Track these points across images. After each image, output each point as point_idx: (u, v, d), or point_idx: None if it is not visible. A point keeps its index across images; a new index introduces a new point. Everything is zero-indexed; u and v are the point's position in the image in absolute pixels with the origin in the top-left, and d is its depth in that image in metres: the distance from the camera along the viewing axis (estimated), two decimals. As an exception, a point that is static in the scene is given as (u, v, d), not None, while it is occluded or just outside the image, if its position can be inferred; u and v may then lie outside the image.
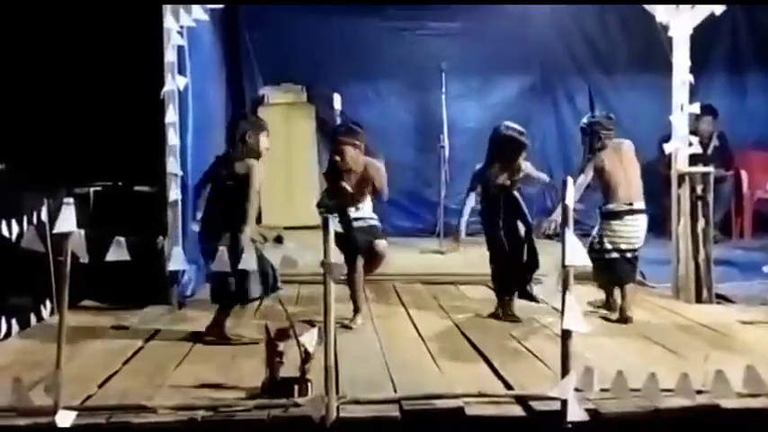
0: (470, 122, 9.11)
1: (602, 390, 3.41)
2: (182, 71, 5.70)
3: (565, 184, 3.42)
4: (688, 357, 4.26)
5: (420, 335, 4.94)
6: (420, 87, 9.00)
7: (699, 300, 5.89)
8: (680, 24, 5.94)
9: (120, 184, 6.62)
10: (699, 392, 3.45)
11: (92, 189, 6.41)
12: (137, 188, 6.52)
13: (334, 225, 3.63)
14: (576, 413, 3.17)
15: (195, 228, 5.00)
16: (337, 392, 3.41)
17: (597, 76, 9.30)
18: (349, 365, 4.07)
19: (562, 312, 3.20)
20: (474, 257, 7.48)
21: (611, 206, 5.33)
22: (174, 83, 5.63)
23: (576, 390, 3.28)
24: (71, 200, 3.33)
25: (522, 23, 8.71)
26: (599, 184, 5.39)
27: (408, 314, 5.58)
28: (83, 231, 3.38)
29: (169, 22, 5.62)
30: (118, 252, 3.43)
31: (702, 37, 6.10)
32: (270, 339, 3.68)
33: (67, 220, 3.29)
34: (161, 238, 5.69)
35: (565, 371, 3.22)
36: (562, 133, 9.34)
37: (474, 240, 8.50)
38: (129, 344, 4.68)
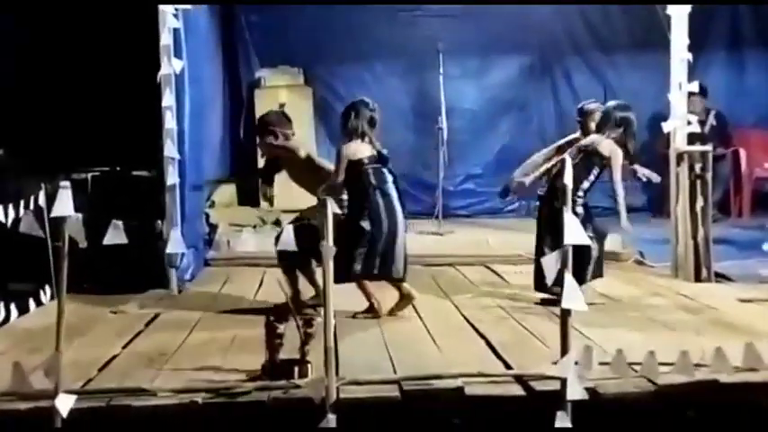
0: (468, 104, 9.12)
1: (601, 363, 3.41)
2: (178, 54, 5.67)
3: (563, 163, 3.42)
4: (687, 335, 4.27)
5: (419, 315, 4.94)
6: (418, 69, 8.98)
7: (698, 278, 5.90)
8: (678, 2, 5.91)
9: (117, 168, 6.61)
10: (697, 366, 3.46)
11: (89, 174, 6.40)
12: (135, 173, 6.51)
13: (333, 208, 3.61)
14: (575, 392, 3.18)
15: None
16: (337, 374, 3.41)
17: (596, 56, 9.27)
18: (349, 347, 4.08)
19: (561, 291, 3.20)
20: (472, 239, 7.52)
21: None
22: (170, 66, 5.59)
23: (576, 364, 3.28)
24: (67, 184, 3.32)
25: (520, 4, 8.67)
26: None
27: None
28: (80, 216, 3.37)
29: (164, 4, 5.58)
30: (115, 235, 3.42)
31: (701, 15, 6.07)
32: (269, 321, 3.68)
33: (64, 205, 3.28)
34: (159, 222, 5.69)
35: (564, 350, 3.22)
36: (560, 114, 9.31)
37: (472, 222, 8.57)
38: (128, 328, 4.68)
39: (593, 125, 5.55)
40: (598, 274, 5.24)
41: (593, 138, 5.35)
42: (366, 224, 4.82)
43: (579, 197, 5.15)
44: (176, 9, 5.60)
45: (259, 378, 3.57)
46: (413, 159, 8.83)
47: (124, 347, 4.28)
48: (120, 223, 3.47)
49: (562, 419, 3.14)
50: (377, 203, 4.87)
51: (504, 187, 5.91)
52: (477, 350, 4.13)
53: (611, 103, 5.50)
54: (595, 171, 5.26)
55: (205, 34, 6.97)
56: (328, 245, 3.40)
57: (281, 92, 8.72)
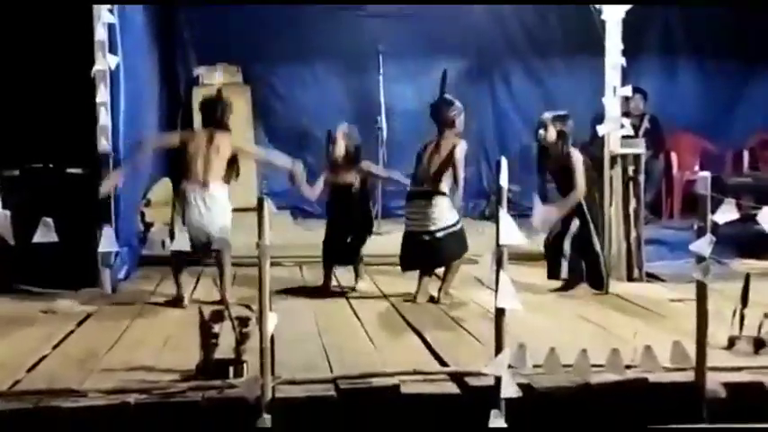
0: (407, 105, 9.14)
1: (535, 366, 3.47)
2: (113, 50, 5.57)
3: (499, 165, 3.45)
4: (618, 334, 4.36)
5: (356, 314, 4.95)
6: (358, 69, 8.98)
7: (630, 278, 6.02)
8: (612, 8, 6.03)
9: (50, 165, 6.44)
10: (628, 367, 3.54)
11: (20, 170, 6.23)
12: (68, 170, 6.36)
13: (271, 207, 3.59)
14: (509, 389, 3.22)
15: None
16: (273, 373, 3.39)
17: (533, 60, 9.41)
18: (285, 346, 4.05)
19: (496, 290, 3.23)
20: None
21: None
22: (104, 62, 5.50)
23: (510, 366, 3.32)
24: (-4, 180, 3.24)
25: (459, 7, 8.74)
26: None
27: (345, 294, 5.59)
28: (8, 213, 3.29)
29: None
30: (45, 233, 3.35)
31: (635, 21, 6.20)
32: (204, 321, 3.65)
33: (-8, 201, 3.20)
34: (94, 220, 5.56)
35: (498, 348, 3.26)
36: (498, 116, 9.45)
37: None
38: (59, 328, 4.58)
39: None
40: None
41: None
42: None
43: None
44: (111, 5, 5.50)
45: (193, 378, 3.53)
46: (352, 159, 8.81)
47: (54, 348, 4.18)
48: (50, 221, 3.40)
49: (496, 417, 3.18)
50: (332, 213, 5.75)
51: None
52: (414, 348, 4.15)
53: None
54: None
55: (141, 30, 6.86)
56: (265, 243, 3.37)
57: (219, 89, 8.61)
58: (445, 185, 5.33)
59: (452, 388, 3.48)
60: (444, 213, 5.31)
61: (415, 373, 3.58)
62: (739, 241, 6.39)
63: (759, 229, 3.49)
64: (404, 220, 5.54)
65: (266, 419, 3.17)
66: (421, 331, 4.47)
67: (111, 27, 5.56)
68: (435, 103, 5.67)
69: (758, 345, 3.97)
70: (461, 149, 5.38)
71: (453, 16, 8.82)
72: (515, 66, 9.45)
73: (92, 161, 5.65)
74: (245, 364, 3.55)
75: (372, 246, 7.14)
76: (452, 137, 5.44)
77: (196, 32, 8.94)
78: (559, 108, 5.87)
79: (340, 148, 5.60)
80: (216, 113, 5.37)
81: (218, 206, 5.21)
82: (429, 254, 5.34)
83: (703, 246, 3.40)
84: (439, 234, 5.30)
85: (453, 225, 5.36)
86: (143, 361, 3.85)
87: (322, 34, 8.91)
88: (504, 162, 3.48)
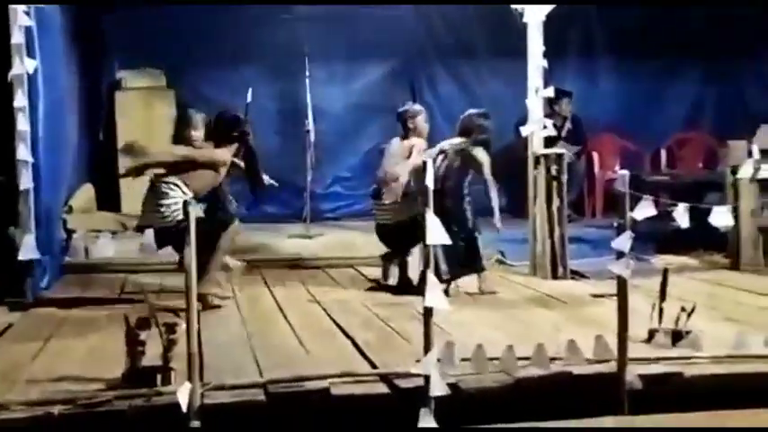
0: (334, 107, 9.16)
1: (463, 360, 3.51)
2: (31, 53, 5.43)
3: (425, 166, 3.50)
4: (543, 329, 4.45)
5: (286, 318, 4.94)
6: (284, 72, 8.94)
7: (555, 276, 6.16)
8: (533, 11, 6.15)
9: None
10: (552, 360, 3.62)
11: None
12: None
13: (196, 212, 3.55)
14: (438, 388, 3.26)
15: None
16: (202, 379, 3.36)
17: (458, 62, 9.51)
18: (214, 351, 4.02)
19: (423, 290, 3.27)
20: (340, 241, 7.56)
21: None
22: (22, 66, 5.35)
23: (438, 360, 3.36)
24: None
25: (385, 9, 8.78)
26: None
27: (275, 298, 5.57)
28: None
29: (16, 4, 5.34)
30: (-38, 243, 3.25)
31: (557, 23, 6.34)
32: (130, 328, 3.59)
33: None
34: (12, 228, 5.42)
35: (427, 347, 3.29)
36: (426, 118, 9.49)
37: (340, 224, 8.62)
38: (-22, 340, 4.45)
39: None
40: (480, 268, 5.68)
41: (461, 142, 5.72)
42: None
43: (466, 194, 5.67)
44: (28, 6, 5.36)
45: (119, 387, 3.47)
46: (281, 162, 8.73)
47: (-26, 361, 4.06)
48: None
49: (426, 416, 3.21)
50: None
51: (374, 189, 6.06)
52: (344, 351, 4.16)
53: (473, 111, 5.87)
54: (470, 173, 5.70)
55: (61, 33, 6.69)
56: (191, 248, 3.33)
57: (143, 94, 8.50)
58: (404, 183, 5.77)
59: (382, 388, 3.50)
60: (405, 208, 5.68)
61: (345, 375, 3.59)
62: (657, 238, 6.61)
63: (676, 226, 3.62)
64: (373, 213, 6.01)
65: (195, 426, 3.14)
66: (350, 333, 4.49)
67: (28, 30, 5.42)
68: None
69: (676, 337, 4.11)
70: (417, 149, 5.79)
71: (379, 18, 8.84)
72: (440, 68, 9.54)
73: (10, 168, 5.50)
74: (172, 372, 3.51)
75: (302, 249, 7.19)
76: (413, 137, 5.88)
77: (117, 35, 8.76)
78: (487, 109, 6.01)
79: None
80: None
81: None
82: (399, 240, 5.76)
83: (623, 242, 3.50)
84: (402, 225, 5.67)
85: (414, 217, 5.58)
86: (67, 371, 3.77)
87: (247, 37, 8.83)
88: (429, 163, 3.53)
